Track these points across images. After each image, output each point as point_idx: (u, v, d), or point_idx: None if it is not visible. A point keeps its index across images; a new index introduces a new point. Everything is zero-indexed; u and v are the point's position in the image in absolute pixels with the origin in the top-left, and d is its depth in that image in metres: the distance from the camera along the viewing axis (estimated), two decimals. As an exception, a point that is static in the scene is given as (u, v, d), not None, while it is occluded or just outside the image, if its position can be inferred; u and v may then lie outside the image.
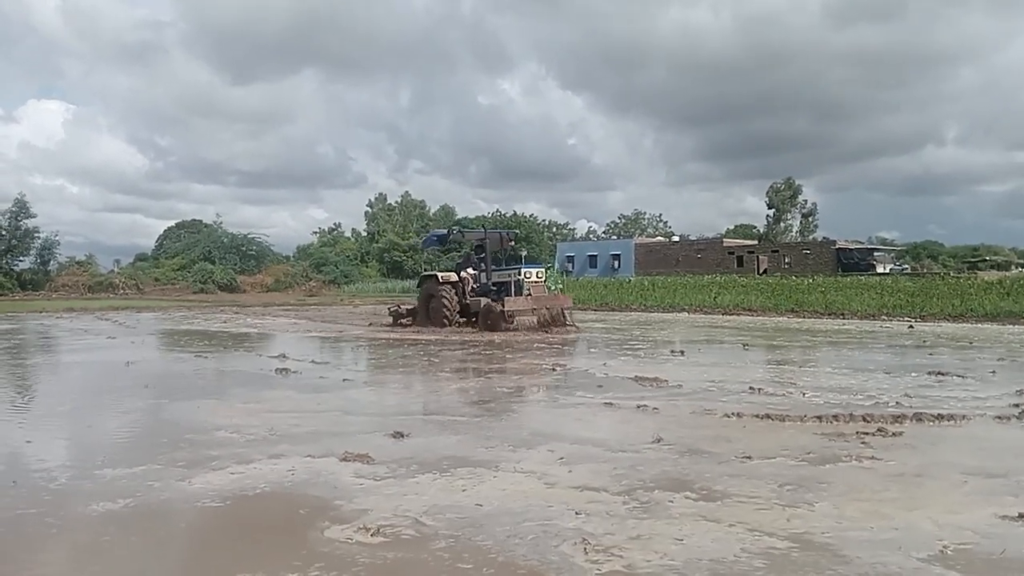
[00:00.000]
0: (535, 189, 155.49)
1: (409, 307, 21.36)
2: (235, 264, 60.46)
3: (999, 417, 6.88)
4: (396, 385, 9.83)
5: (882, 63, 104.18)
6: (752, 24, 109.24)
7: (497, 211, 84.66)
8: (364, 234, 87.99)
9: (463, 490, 4.73)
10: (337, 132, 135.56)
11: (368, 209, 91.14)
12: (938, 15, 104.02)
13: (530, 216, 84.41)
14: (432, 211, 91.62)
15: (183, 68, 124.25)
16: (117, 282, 54.13)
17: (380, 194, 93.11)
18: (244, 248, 63.95)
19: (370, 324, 22.02)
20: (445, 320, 18.92)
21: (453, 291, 19.31)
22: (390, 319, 21.22)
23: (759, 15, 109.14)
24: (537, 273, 19.16)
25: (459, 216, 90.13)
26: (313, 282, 59.62)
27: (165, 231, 77.07)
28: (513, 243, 21.20)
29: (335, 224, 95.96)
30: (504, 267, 19.86)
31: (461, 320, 19.30)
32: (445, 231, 21.90)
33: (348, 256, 75.11)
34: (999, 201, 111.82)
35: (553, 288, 20.17)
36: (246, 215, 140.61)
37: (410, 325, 20.21)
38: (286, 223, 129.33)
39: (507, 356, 12.90)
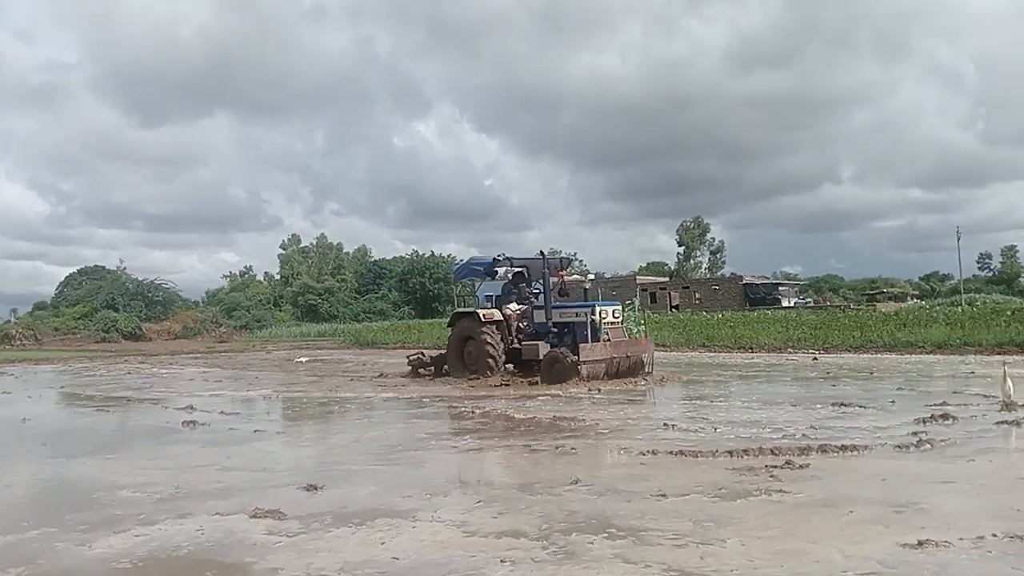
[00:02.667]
0: (453, 229, 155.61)
1: (436, 354, 17.87)
2: (140, 311, 58.13)
3: (899, 447, 7.20)
4: (309, 435, 9.59)
5: (781, 107, 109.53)
6: (658, 70, 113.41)
7: (414, 251, 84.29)
8: (277, 277, 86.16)
9: (380, 543, 4.63)
10: (250, 174, 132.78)
11: (282, 252, 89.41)
12: (832, 61, 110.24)
13: (448, 256, 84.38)
14: (349, 253, 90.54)
15: (89, 110, 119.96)
16: (13, 332, 51.13)
17: (293, 235, 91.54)
18: (150, 295, 61.63)
19: (380, 375, 18.25)
20: (489, 368, 15.27)
21: (498, 334, 15.65)
22: (408, 369, 17.81)
23: (664, 61, 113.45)
24: (614, 312, 15.26)
25: (376, 257, 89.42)
26: (223, 328, 57.74)
27: (66, 278, 73.58)
28: (564, 273, 17.08)
29: (246, 267, 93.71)
30: (568, 303, 16.20)
31: (506, 368, 15.76)
32: (488, 260, 17.11)
33: (260, 300, 73.31)
34: (893, 235, 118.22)
35: (635, 330, 15.75)
36: (153, 260, 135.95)
37: (432, 376, 16.93)
38: (195, 267, 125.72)
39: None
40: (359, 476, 6.72)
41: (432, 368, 17.40)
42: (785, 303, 55.34)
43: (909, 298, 57.76)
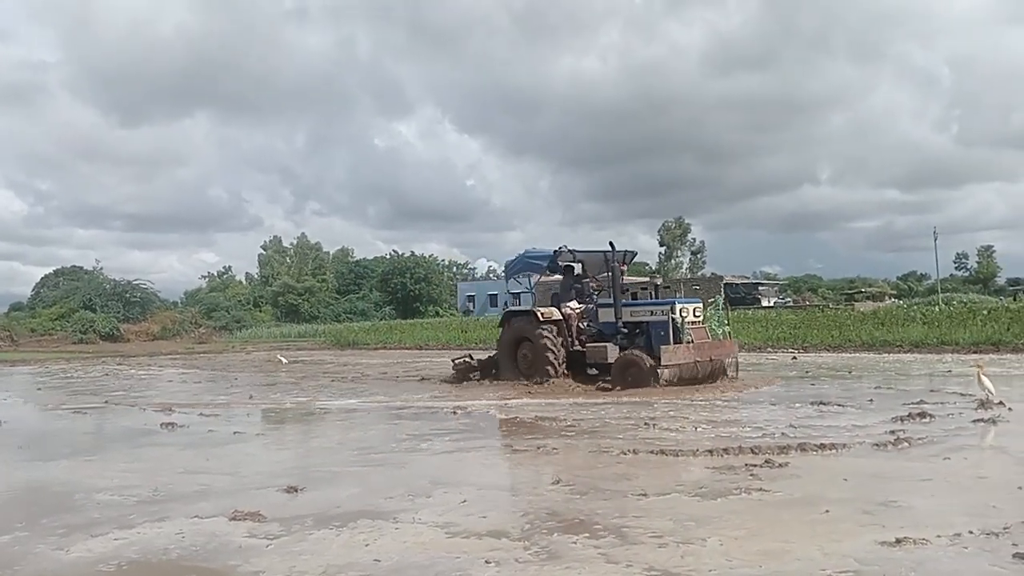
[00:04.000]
0: (435, 230, 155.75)
1: (485, 357, 16.11)
2: (118, 312, 57.44)
3: (876, 445, 7.28)
4: (290, 437, 9.53)
5: (760, 108, 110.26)
6: (637, 72, 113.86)
7: (395, 251, 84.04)
8: (257, 277, 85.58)
9: (364, 545, 4.61)
10: (231, 174, 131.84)
11: (262, 252, 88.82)
12: (809, 64, 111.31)
13: (430, 256, 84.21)
14: (330, 253, 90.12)
15: (67, 110, 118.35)
16: (-11, 334, 50.49)
17: (275, 236, 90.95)
18: (128, 295, 60.93)
19: (421, 379, 16.84)
20: (548, 372, 13.79)
21: (557, 334, 14.18)
22: (453, 373, 15.97)
23: (643, 64, 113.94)
24: (695, 310, 13.68)
25: (358, 257, 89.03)
26: (203, 329, 57.27)
27: (42, 279, 72.55)
28: (624, 268, 14.85)
29: (225, 268, 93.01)
30: (641, 301, 14.71)
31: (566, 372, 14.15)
32: (547, 252, 15.21)
33: (240, 301, 72.77)
34: (871, 236, 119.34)
35: (718, 330, 14.00)
36: (132, 260, 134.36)
37: (480, 380, 15.33)
38: (174, 267, 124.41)
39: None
40: (340, 478, 6.69)
41: (479, 373, 15.69)
42: (765, 303, 55.73)
43: (887, 298, 58.33)
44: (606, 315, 13.97)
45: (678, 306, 13.25)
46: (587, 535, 4.65)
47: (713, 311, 14.45)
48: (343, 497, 5.88)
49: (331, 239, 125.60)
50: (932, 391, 11.22)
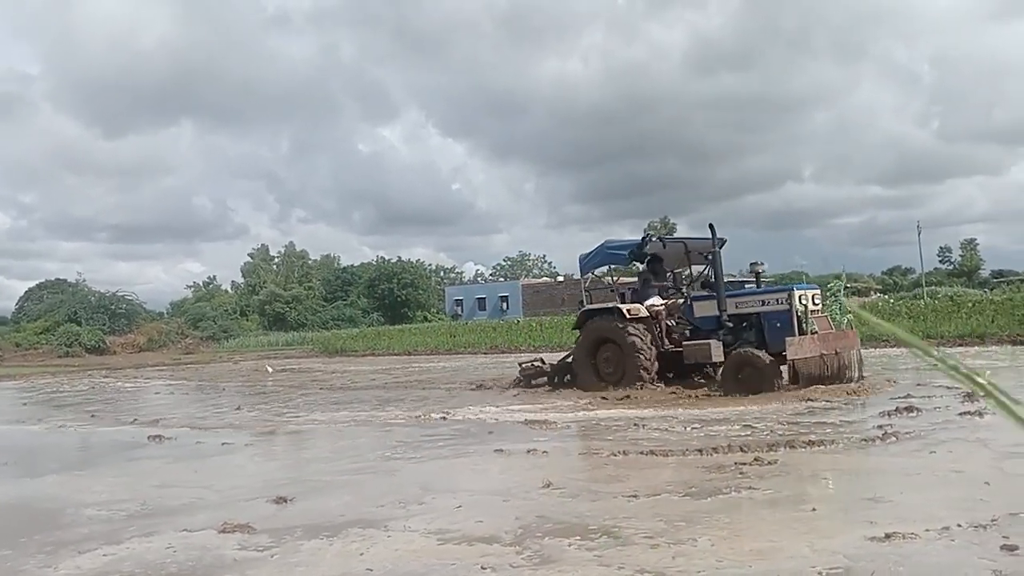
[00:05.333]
0: (421, 234, 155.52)
1: (563, 360, 14.33)
2: (103, 324, 57.06)
3: (865, 440, 7.32)
4: (279, 448, 9.48)
5: (743, 108, 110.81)
6: (620, 73, 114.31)
7: (381, 257, 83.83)
8: (243, 286, 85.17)
9: (357, 554, 4.59)
10: (216, 183, 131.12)
11: (249, 259, 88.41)
12: (791, 63, 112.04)
13: (417, 261, 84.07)
14: (316, 260, 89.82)
15: (51, 122, 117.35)
16: (-28, 350, 50.03)
17: (262, 245, 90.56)
18: (113, 307, 60.53)
19: (479, 387, 15.08)
20: (639, 377, 12.10)
21: (647, 334, 12.50)
22: (520, 380, 14.49)
23: (626, 65, 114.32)
24: (815, 297, 11.83)
25: (344, 263, 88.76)
26: (189, 339, 56.96)
27: (26, 292, 71.90)
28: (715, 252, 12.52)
29: (211, 277, 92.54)
30: (749, 290, 13.06)
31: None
32: (630, 242, 13.58)
33: (226, 310, 72.40)
34: (855, 232, 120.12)
35: (841, 320, 12.20)
36: (117, 272, 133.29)
37: (549, 387, 13.87)
38: (160, 278, 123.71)
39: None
40: (330, 487, 6.66)
41: (544, 378, 14.29)
42: (752, 300, 55.84)
43: (873, 293, 58.69)
44: (703, 309, 12.34)
45: (797, 292, 11.58)
46: (579, 537, 4.65)
47: (831, 298, 12.57)
48: (332, 507, 5.86)
49: (317, 246, 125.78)
50: (919, 384, 11.28)
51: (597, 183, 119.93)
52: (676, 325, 12.83)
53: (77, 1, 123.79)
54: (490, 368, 21.19)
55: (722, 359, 11.70)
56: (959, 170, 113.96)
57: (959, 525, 4.44)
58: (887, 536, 4.28)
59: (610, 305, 13.18)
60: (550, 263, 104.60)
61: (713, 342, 11.77)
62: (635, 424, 8.99)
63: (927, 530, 4.38)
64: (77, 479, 7.73)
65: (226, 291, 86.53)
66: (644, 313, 12.73)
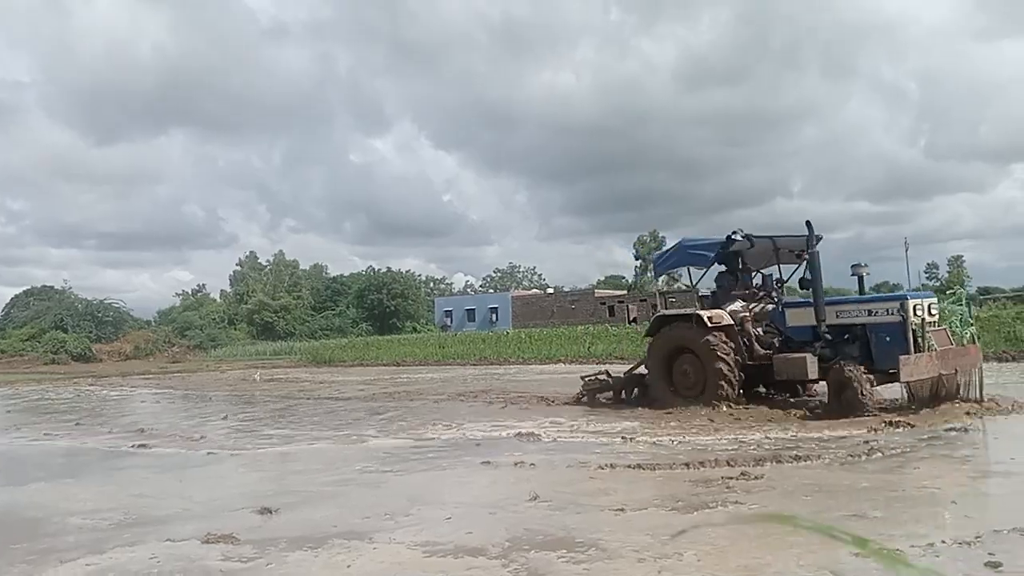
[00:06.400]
0: (412, 245, 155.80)
1: (631, 371, 13.19)
2: (90, 332, 56.71)
3: (851, 456, 7.34)
4: (264, 459, 9.40)
5: (732, 123, 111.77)
6: (612, 88, 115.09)
7: (371, 267, 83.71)
8: (231, 295, 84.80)
9: (340, 566, 4.57)
10: (207, 192, 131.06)
11: (238, 268, 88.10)
12: (780, 79, 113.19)
13: (407, 272, 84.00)
14: (306, 269, 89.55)
15: (43, 129, 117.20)
16: (-42, 357, 49.58)
17: (250, 253, 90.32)
18: (100, 315, 60.19)
19: (548, 402, 13.56)
20: (723, 391, 10.81)
21: (731, 343, 11.12)
22: (583, 395, 13.23)
23: (618, 80, 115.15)
24: (931, 307, 10.26)
25: (334, 273, 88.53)
26: (176, 347, 56.70)
27: (12, 299, 71.29)
28: (807, 255, 11.28)
29: (199, 286, 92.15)
30: (852, 297, 11.51)
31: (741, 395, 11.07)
32: (714, 239, 12.06)
33: (214, 319, 72.08)
34: (842, 247, 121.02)
35: (961, 333, 10.73)
36: (105, 279, 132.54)
37: (614, 402, 12.74)
38: (147, 286, 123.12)
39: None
40: (315, 498, 6.62)
41: (611, 393, 13.03)
42: (740, 314, 56.01)
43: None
44: (798, 317, 10.95)
45: (911, 302, 10.00)
46: (566, 551, 4.64)
47: (951, 307, 11.04)
48: (317, 518, 5.82)
49: (307, 255, 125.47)
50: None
51: (588, 196, 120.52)
52: (763, 334, 11.41)
53: (71, 9, 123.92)
54: (479, 380, 21.17)
55: (817, 376, 10.46)
56: (946, 187, 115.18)
57: (943, 541, 4.47)
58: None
59: (689, 311, 11.78)
60: (540, 275, 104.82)
61: (809, 356, 10.42)
62: (623, 438, 8.98)
63: (912, 546, 4.40)
64: (61, 488, 7.66)
65: (214, 300, 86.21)
66: (727, 321, 11.32)
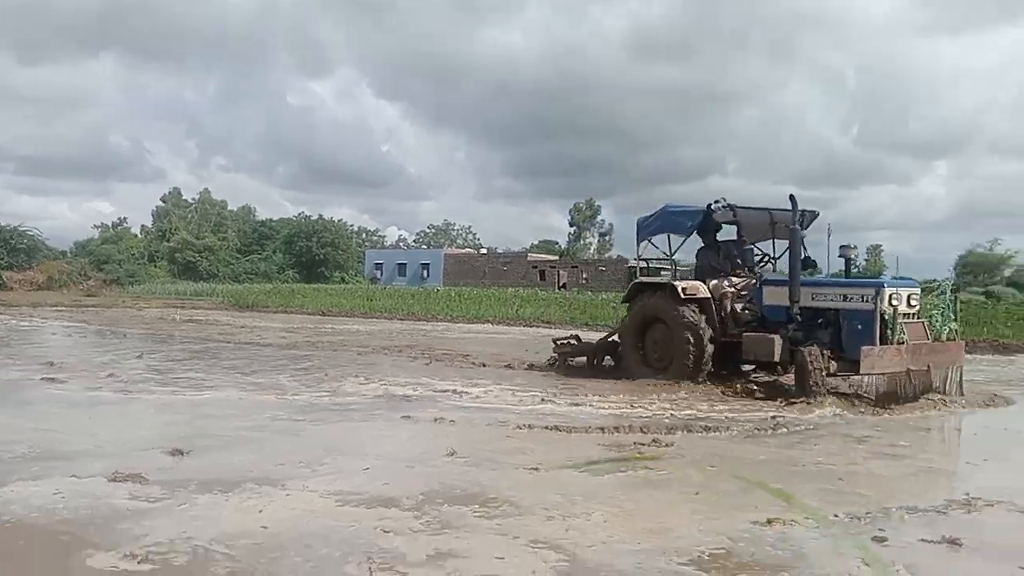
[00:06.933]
0: (346, 194, 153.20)
1: (606, 338, 12.77)
2: (1, 259, 54.19)
3: (757, 429, 7.66)
4: (178, 395, 9.21)
5: (676, 98, 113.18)
6: (560, 52, 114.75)
7: (303, 213, 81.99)
8: (153, 231, 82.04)
9: (247, 511, 4.54)
10: (135, 122, 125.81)
11: (161, 204, 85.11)
12: (726, 58, 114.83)
13: (339, 221, 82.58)
14: (233, 210, 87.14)
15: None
16: None
17: (174, 189, 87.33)
18: (13, 241, 57.53)
19: (505, 366, 12.99)
20: (687, 366, 10.53)
21: (703, 317, 10.77)
22: (552, 357, 12.90)
23: (566, 44, 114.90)
24: (911, 298, 9.67)
25: (262, 216, 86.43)
26: (93, 281, 54.63)
27: (-82, 221, 67.47)
28: (804, 233, 10.88)
29: (120, 219, 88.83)
30: (832, 280, 10.70)
31: (710, 369, 10.72)
32: (696, 207, 11.56)
33: (134, 254, 69.73)
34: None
35: (943, 327, 10.10)
36: (21, 206, 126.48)
37: (590, 370, 12.24)
38: (66, 216, 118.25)
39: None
40: (229, 443, 6.55)
41: (586, 359, 12.68)
42: (667, 288, 57.21)
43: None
44: (774, 296, 10.41)
45: (887, 290, 9.44)
46: (478, 505, 4.73)
47: (935, 297, 10.51)
48: (230, 462, 5.77)
49: (236, 196, 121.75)
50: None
51: (528, 159, 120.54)
52: (743, 312, 10.86)
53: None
54: (405, 334, 21.12)
55: (781, 358, 9.96)
56: (873, 178, 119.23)
57: (836, 515, 4.71)
58: (768, 521, 4.51)
59: (663, 280, 11.57)
60: (475, 234, 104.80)
61: (777, 337, 9.97)
62: (542, 400, 9.13)
63: (806, 518, 4.64)
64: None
65: (135, 235, 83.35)
66: (703, 294, 10.89)
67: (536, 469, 5.71)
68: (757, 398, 9.66)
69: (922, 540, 4.30)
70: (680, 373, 10.57)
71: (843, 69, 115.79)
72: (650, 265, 12.98)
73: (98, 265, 60.79)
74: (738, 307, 10.93)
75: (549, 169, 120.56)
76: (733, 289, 11.08)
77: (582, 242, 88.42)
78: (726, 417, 8.26)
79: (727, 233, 12.08)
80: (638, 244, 12.37)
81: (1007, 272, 54.62)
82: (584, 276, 62.26)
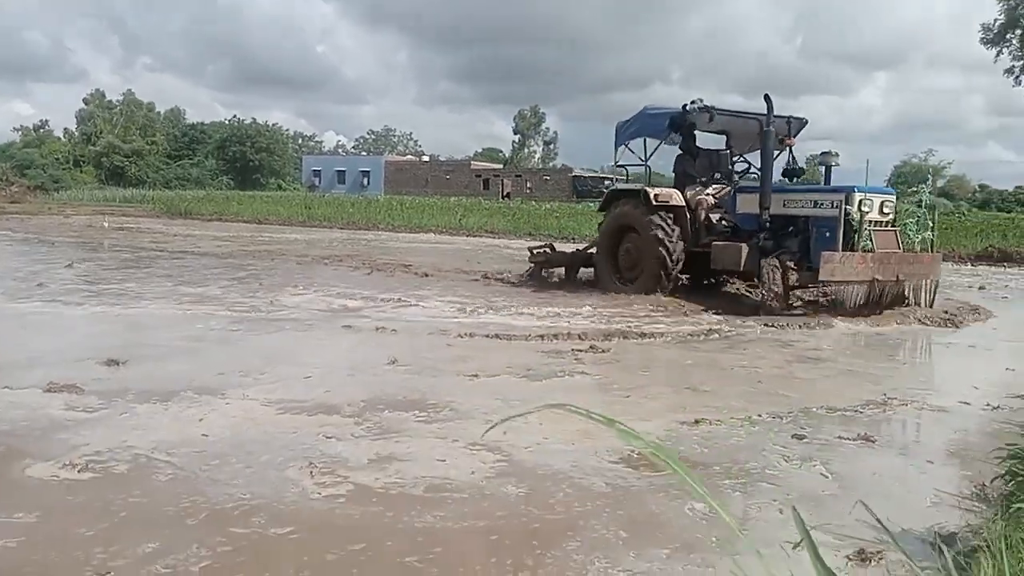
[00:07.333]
0: (280, 97, 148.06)
1: (576, 250, 12.63)
2: (-88, 163, 51.26)
3: (691, 335, 7.93)
4: (112, 305, 9.03)
5: (621, 3, 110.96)
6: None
7: (235, 117, 78.92)
8: (78, 135, 78.23)
9: (186, 420, 4.56)
10: (52, 18, 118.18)
11: (85, 106, 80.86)
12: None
13: (274, 125, 79.82)
14: (161, 113, 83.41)
15: None
16: None
17: (97, 90, 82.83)
18: (-76, 144, 54.31)
19: (484, 277, 12.51)
20: (656, 278, 10.19)
21: (677, 227, 10.35)
22: (530, 267, 12.49)
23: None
24: (884, 205, 9.33)
25: (193, 120, 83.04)
26: (15, 187, 52.17)
27: None
28: (793, 141, 10.97)
29: (42, 121, 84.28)
30: (801, 187, 10.51)
31: (681, 279, 10.69)
32: (671, 110, 10.94)
33: (58, 159, 66.62)
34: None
35: (916, 237, 9.93)
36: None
37: (564, 281, 12.00)
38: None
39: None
40: (166, 353, 6.50)
41: (564, 271, 12.28)
42: (609, 197, 57.54)
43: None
44: (748, 204, 10.04)
45: (857, 196, 9.05)
46: (419, 411, 4.84)
47: (911, 207, 10.18)
48: (168, 372, 5.74)
49: (164, 98, 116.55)
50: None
51: (472, 63, 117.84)
52: (717, 222, 10.58)
53: None
54: (345, 244, 20.91)
55: (748, 268, 9.64)
56: (814, 88, 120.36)
57: (759, 415, 4.98)
58: (696, 421, 4.74)
59: (636, 187, 11.10)
60: (416, 141, 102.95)
61: (744, 246, 9.62)
62: (483, 308, 9.24)
63: (732, 418, 4.89)
64: None
65: (59, 138, 79.34)
66: (677, 201, 10.48)
67: (476, 376, 5.83)
68: (716, 314, 9.23)
69: (839, 438, 4.58)
70: (649, 284, 10.21)
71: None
72: (628, 174, 12.36)
73: (20, 171, 57.96)
74: (714, 217, 10.57)
75: (494, 74, 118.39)
76: (711, 197, 10.69)
77: (527, 150, 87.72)
78: (662, 326, 8.48)
79: (716, 142, 11.75)
80: (616, 149, 11.77)
81: (940, 183, 56.46)
82: (528, 185, 62.08)
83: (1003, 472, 3.51)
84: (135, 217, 33.29)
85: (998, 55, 41.04)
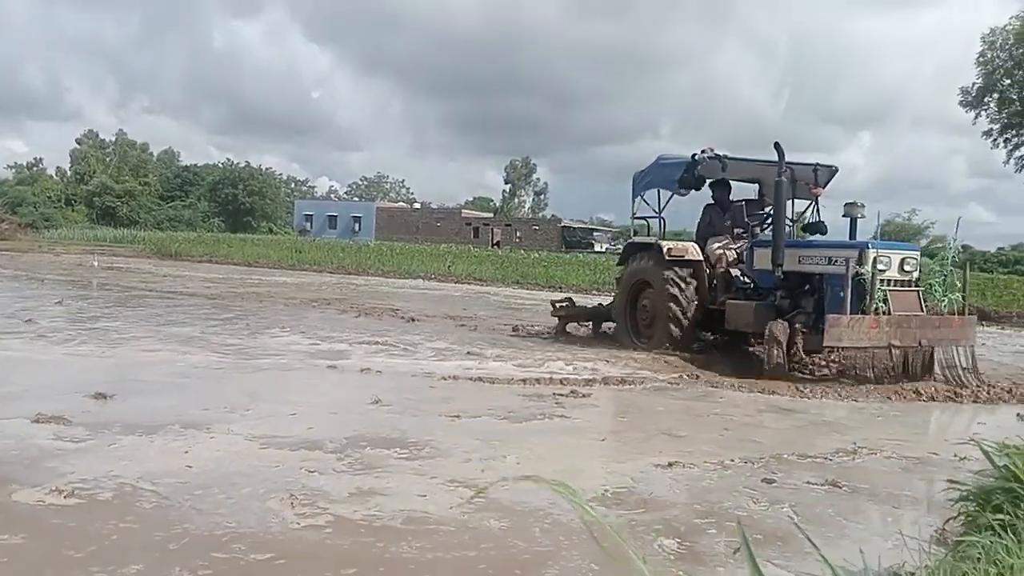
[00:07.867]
0: (275, 141, 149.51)
1: (594, 304, 12.51)
2: (-97, 197, 51.29)
3: (669, 382, 8.08)
4: (100, 343, 9.11)
5: (612, 58, 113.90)
6: (498, 5, 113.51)
7: (229, 160, 79.62)
8: (70, 174, 78.59)
9: (172, 452, 4.65)
10: (51, 57, 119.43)
11: (77, 146, 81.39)
12: (662, 20, 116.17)
13: (267, 169, 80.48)
14: (154, 154, 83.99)
15: None
16: None
17: (90, 130, 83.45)
18: (-84, 181, 54.43)
19: (515, 330, 12.03)
20: (671, 332, 9.64)
21: (692, 282, 9.76)
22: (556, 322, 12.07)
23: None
24: (904, 263, 8.50)
25: (186, 162, 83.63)
26: (6, 224, 52.23)
27: None
28: (820, 191, 10.35)
29: (35, 160, 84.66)
30: (817, 241, 9.54)
31: (702, 337, 10.21)
32: (687, 159, 10.14)
33: (50, 197, 66.81)
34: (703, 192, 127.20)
35: (941, 298, 8.82)
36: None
37: (594, 335, 11.67)
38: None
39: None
40: (152, 388, 6.59)
41: (590, 324, 11.96)
42: (598, 248, 58.27)
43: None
44: (764, 259, 9.31)
45: (871, 252, 8.24)
46: (400, 448, 4.95)
47: (938, 265, 9.07)
48: (155, 406, 5.84)
49: (158, 139, 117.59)
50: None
51: (465, 113, 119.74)
52: (738, 278, 9.92)
53: None
54: (335, 288, 21.05)
55: (753, 328, 9.18)
56: (799, 146, 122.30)
57: (732, 460, 5.11)
58: (670, 464, 4.87)
59: (650, 240, 10.61)
60: (408, 188, 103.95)
61: (754, 305, 9.22)
62: (468, 353, 9.37)
63: (705, 462, 5.01)
64: None
65: (51, 176, 79.60)
66: (694, 256, 9.88)
67: (457, 417, 5.95)
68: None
69: (807, 483, 4.72)
70: (664, 342, 9.69)
71: (776, 37, 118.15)
72: (649, 226, 11.49)
73: (12, 208, 58.09)
74: (735, 272, 9.98)
75: (485, 125, 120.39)
76: (733, 252, 10.14)
77: (517, 200, 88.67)
78: (642, 375, 8.62)
79: (746, 192, 11.07)
80: (632, 200, 11.20)
81: (923, 242, 57.38)
82: (518, 235, 62.71)
83: (955, 514, 3.66)
84: (125, 257, 33.36)
85: (976, 117, 42.15)
